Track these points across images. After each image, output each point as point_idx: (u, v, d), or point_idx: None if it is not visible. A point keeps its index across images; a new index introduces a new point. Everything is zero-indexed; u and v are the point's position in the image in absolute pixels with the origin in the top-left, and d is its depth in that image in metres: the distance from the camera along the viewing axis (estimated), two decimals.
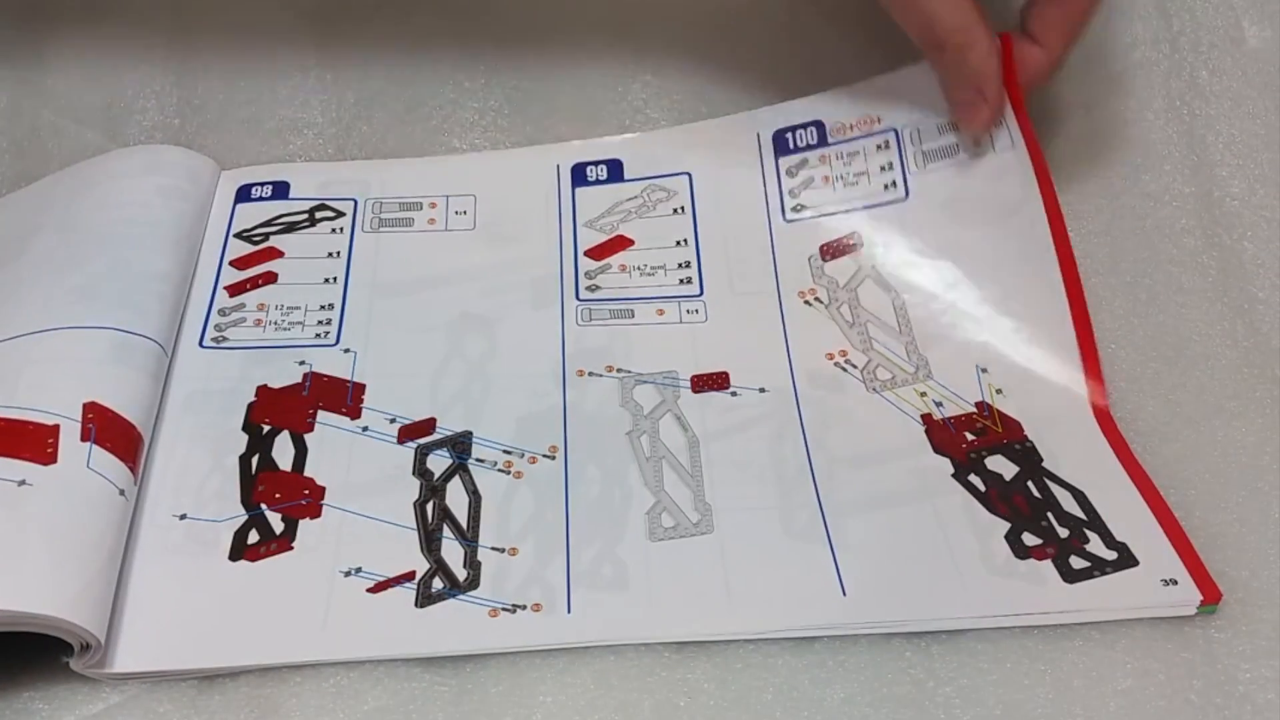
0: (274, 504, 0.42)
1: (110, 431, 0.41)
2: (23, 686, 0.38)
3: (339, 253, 0.50)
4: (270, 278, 0.49)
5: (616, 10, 0.55)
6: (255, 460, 0.44)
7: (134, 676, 0.38)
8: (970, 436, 0.44)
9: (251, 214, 0.51)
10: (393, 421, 0.45)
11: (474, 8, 0.55)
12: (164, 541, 0.41)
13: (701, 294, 0.49)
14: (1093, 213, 0.50)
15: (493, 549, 0.41)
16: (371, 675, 0.38)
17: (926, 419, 0.44)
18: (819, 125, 0.51)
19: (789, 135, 0.52)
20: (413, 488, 0.43)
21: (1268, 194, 0.50)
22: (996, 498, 0.42)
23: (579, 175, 0.52)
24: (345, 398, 0.45)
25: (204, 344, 0.47)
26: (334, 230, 0.51)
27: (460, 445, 0.44)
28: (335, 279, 0.49)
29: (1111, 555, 0.40)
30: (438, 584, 0.40)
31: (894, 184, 0.49)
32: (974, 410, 0.45)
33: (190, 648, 0.39)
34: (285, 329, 0.47)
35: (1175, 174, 0.51)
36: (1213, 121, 0.52)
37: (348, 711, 0.38)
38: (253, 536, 0.41)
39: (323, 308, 0.48)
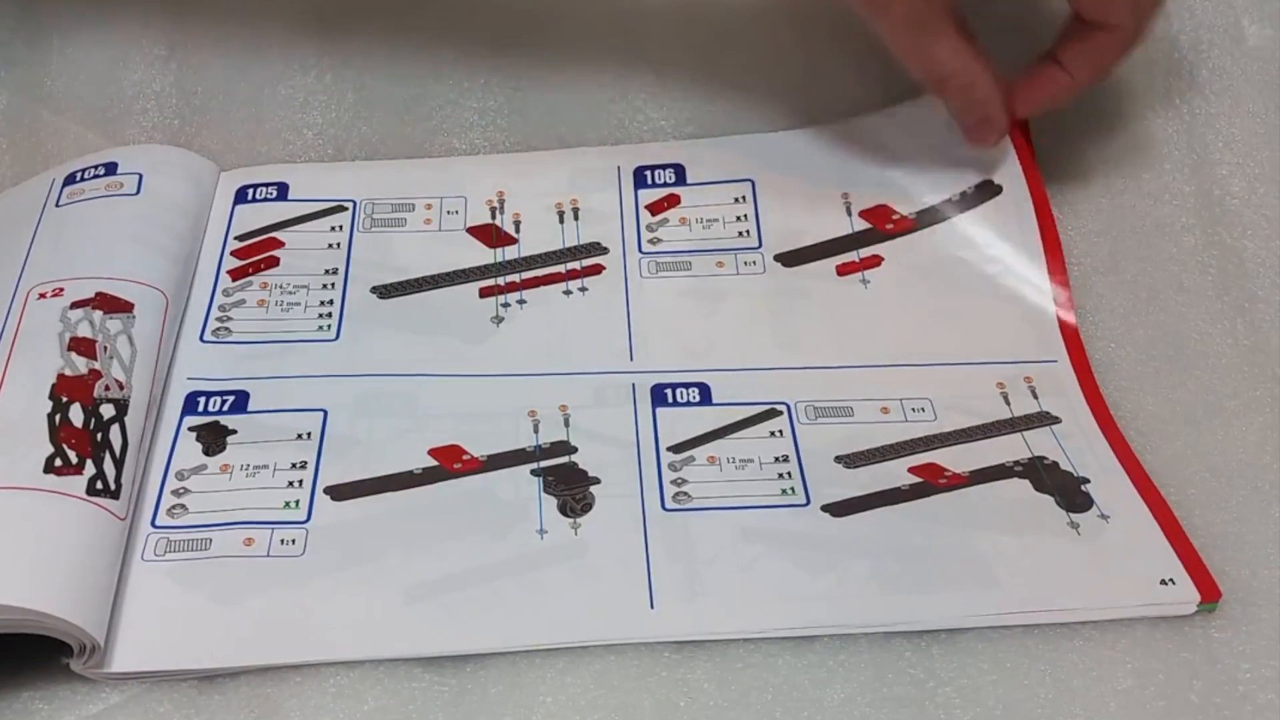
0: None
1: None
2: (23, 686, 0.38)
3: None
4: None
5: (617, 11, 0.55)
6: None
7: (134, 676, 0.38)
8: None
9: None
10: None
11: (474, 8, 0.55)
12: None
13: None
14: (1093, 212, 0.50)
15: None
16: (371, 675, 0.38)
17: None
18: None
19: None
20: None
21: (1268, 193, 0.50)
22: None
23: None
24: None
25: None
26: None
27: None
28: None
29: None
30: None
31: None
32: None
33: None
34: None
35: (1175, 173, 0.51)
36: (1212, 120, 0.52)
37: (348, 711, 0.38)
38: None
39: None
